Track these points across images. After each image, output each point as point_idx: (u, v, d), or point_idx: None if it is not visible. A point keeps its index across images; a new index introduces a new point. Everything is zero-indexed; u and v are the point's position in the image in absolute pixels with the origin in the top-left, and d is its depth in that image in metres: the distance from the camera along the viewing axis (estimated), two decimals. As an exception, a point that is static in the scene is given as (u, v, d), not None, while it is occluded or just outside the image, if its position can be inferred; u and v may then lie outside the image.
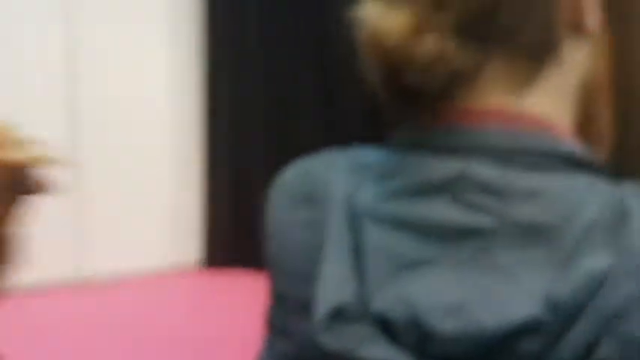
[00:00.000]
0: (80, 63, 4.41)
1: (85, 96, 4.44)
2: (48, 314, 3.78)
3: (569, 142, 0.49)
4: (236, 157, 4.79)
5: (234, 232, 4.75)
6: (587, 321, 0.40)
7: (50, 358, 3.15)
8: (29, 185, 0.60)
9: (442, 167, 0.47)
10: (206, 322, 3.66)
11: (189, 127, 4.88)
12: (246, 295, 4.11)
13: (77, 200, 4.33)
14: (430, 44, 0.47)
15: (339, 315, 0.44)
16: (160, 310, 3.88)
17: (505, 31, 0.49)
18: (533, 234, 0.43)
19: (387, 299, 0.44)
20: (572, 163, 0.47)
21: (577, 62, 0.53)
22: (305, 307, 0.47)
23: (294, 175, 0.56)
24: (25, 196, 0.61)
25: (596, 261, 0.41)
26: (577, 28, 0.52)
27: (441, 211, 0.46)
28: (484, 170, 0.46)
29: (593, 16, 0.53)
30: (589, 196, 0.44)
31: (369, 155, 0.53)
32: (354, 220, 0.48)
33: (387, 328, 0.44)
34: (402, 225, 0.47)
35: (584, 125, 0.55)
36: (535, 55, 0.50)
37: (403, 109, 0.52)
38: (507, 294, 0.42)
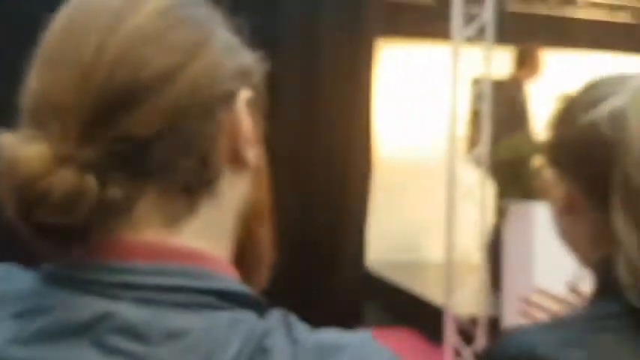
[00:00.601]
0: None
1: None
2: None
3: (223, 277, 0.49)
4: None
5: None
6: None
7: None
8: None
9: (86, 307, 0.45)
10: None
11: None
12: None
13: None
14: (68, 178, 0.44)
15: None
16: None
17: (159, 165, 0.48)
18: None
19: None
20: (221, 300, 0.47)
21: (236, 194, 0.54)
22: None
23: None
24: None
25: None
26: (236, 161, 0.52)
27: (80, 356, 0.44)
28: (129, 310, 0.45)
29: (252, 149, 0.53)
30: (231, 335, 0.45)
31: (18, 282, 0.51)
32: None
33: None
34: None
35: (245, 254, 0.56)
36: (191, 189, 0.50)
37: (51, 242, 0.48)
38: None
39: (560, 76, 5.79)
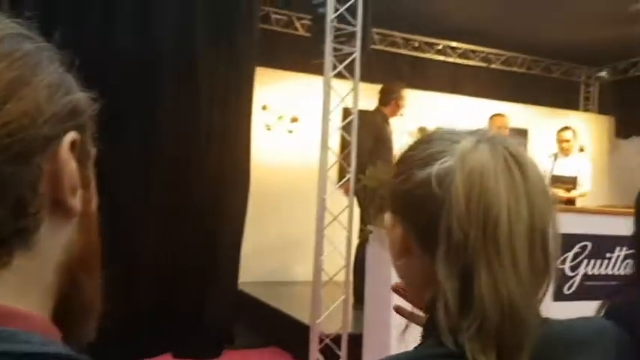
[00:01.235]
0: None
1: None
2: None
3: (34, 338, 0.45)
4: None
5: None
6: None
7: None
8: None
9: None
10: None
11: None
12: None
13: None
14: None
15: None
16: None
17: None
18: None
19: None
20: None
21: (58, 243, 0.50)
22: None
23: None
24: None
25: None
26: (59, 209, 0.49)
27: None
28: None
29: (77, 195, 0.51)
30: None
31: None
32: None
33: None
34: None
35: (70, 306, 0.53)
36: (3, 240, 0.46)
37: None
38: None
39: (419, 112, 6.35)
